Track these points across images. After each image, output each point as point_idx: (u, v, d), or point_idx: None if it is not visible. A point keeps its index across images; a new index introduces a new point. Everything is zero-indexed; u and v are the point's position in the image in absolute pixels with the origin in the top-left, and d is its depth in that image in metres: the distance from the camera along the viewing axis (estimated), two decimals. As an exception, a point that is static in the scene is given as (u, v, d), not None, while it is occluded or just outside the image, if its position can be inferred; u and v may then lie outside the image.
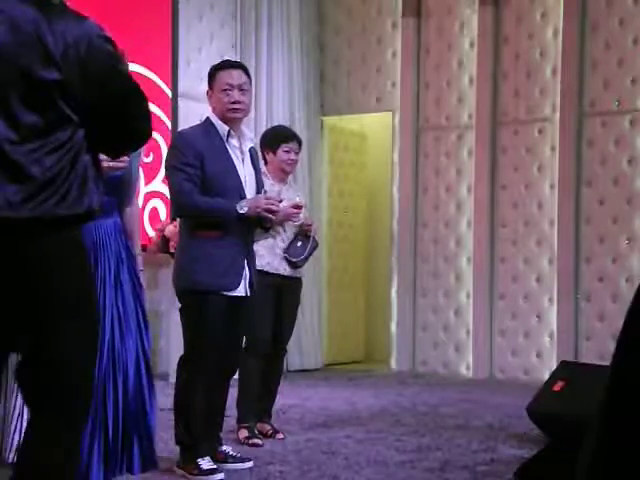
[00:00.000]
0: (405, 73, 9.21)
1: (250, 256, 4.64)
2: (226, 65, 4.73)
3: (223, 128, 4.60)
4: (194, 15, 8.78)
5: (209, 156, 4.52)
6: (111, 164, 3.72)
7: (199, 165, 4.49)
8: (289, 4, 9.33)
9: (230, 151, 4.60)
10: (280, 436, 5.49)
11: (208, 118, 4.69)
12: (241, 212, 4.44)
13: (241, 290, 4.56)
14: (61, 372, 2.67)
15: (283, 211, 4.92)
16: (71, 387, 2.70)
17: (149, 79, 8.38)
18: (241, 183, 4.58)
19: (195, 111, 7.88)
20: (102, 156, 3.69)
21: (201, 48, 8.74)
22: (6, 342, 2.69)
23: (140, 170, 4.48)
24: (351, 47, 9.65)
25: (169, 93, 8.55)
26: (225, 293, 4.51)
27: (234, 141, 4.62)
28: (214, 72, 4.68)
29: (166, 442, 4.97)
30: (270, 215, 4.54)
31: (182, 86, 8.42)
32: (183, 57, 8.56)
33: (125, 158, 3.76)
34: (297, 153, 5.64)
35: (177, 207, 4.73)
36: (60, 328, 2.66)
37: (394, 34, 9.40)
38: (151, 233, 8.06)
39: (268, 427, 5.55)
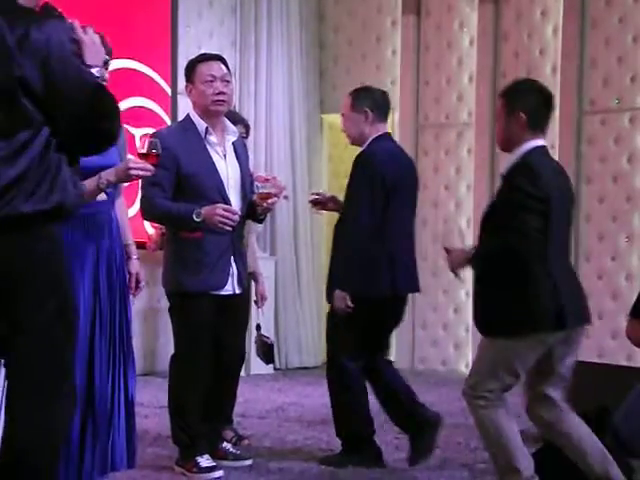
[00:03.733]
0: (405, 71, 9.20)
1: (238, 253, 4.57)
2: (205, 58, 4.64)
3: (201, 125, 4.51)
4: (193, 12, 8.79)
5: (185, 156, 4.43)
6: (140, 173, 3.73)
7: (172, 167, 4.38)
8: (289, 1, 9.32)
9: (209, 149, 4.51)
10: (245, 442, 5.24)
11: (188, 116, 4.61)
12: (197, 220, 4.33)
13: (229, 288, 4.51)
14: (33, 357, 2.78)
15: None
16: (43, 370, 2.80)
17: (148, 76, 8.39)
18: (222, 182, 4.49)
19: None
20: (135, 163, 3.73)
21: (200, 45, 8.72)
22: None
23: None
24: (351, 45, 9.65)
25: (168, 91, 8.56)
26: (212, 293, 4.47)
27: (213, 138, 4.53)
28: (193, 65, 4.58)
29: (165, 440, 4.97)
30: (227, 227, 4.35)
31: (182, 83, 8.38)
32: (183, 54, 8.55)
33: (150, 167, 3.76)
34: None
35: (141, 211, 4.68)
36: (30, 318, 2.76)
37: (394, 32, 9.40)
38: (150, 231, 8.05)
39: (231, 434, 5.24)
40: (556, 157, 8.47)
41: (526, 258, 3.84)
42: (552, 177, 4.00)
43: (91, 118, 2.79)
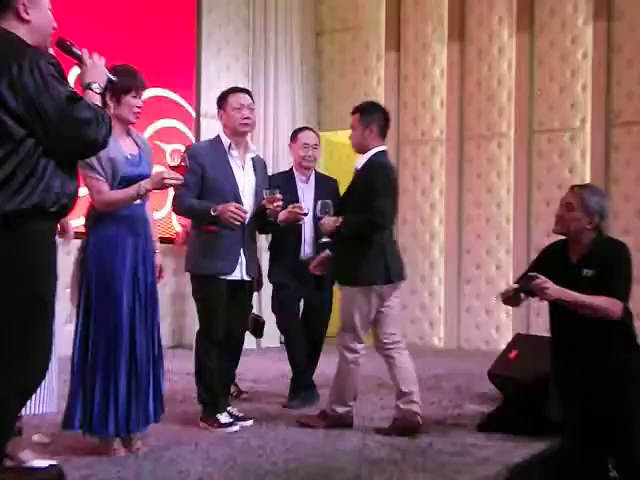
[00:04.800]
0: (387, 97, 9.20)
1: (248, 246, 4.59)
2: (235, 90, 4.74)
3: (226, 142, 4.61)
4: (214, 49, 8.81)
5: (211, 165, 4.52)
6: (173, 182, 3.75)
7: (200, 172, 4.47)
8: (292, 42, 9.36)
9: (231, 161, 4.59)
10: (244, 395, 5.46)
11: (218, 135, 4.70)
12: (213, 214, 4.38)
13: (237, 275, 4.54)
14: None
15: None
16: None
17: (177, 102, 8.40)
18: (237, 187, 4.55)
19: (215, 128, 7.80)
20: (169, 174, 3.71)
21: (220, 76, 8.74)
22: None
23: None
24: (343, 76, 9.66)
25: (193, 114, 8.56)
26: (223, 277, 4.50)
27: (235, 152, 4.61)
28: (225, 96, 4.67)
29: (191, 400, 4.97)
30: (236, 223, 4.38)
31: (204, 107, 8.43)
32: (205, 84, 8.56)
33: (180, 177, 3.78)
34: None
35: (172, 207, 4.77)
36: None
37: (378, 65, 9.40)
38: (178, 228, 8.06)
39: (233, 387, 5.32)
40: (512, 167, 8.51)
41: (375, 231, 4.35)
42: (393, 171, 4.61)
43: (66, 126, 2.67)
